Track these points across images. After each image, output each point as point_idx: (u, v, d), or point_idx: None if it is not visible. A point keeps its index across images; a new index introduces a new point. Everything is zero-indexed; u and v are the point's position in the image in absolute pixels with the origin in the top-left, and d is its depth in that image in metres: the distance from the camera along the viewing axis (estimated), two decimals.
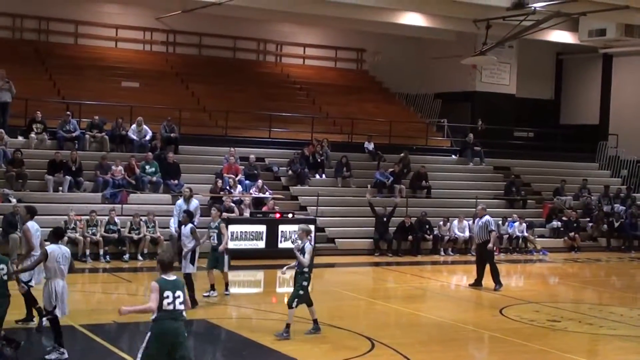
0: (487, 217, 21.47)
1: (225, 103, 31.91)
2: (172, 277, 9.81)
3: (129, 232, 23.94)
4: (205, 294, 17.76)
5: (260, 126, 31.76)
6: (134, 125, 28.10)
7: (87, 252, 23.19)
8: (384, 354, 13.71)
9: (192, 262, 17.03)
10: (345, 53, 39.48)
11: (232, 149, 28.26)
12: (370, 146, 32.26)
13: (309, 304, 14.92)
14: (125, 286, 20.42)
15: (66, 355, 12.06)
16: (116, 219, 23.92)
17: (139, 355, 9.67)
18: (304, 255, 14.61)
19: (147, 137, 28.10)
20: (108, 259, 23.36)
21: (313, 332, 14.84)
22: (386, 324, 16.69)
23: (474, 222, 23.16)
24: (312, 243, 15.31)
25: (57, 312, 12.22)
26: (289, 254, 24.73)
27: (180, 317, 9.71)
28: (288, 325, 14.46)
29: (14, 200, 23.68)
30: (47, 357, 11.96)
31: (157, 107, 29.73)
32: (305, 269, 14.73)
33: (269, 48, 38.09)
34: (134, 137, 27.95)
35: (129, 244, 23.85)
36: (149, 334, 9.65)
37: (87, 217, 23.61)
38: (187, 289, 16.40)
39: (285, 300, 14.98)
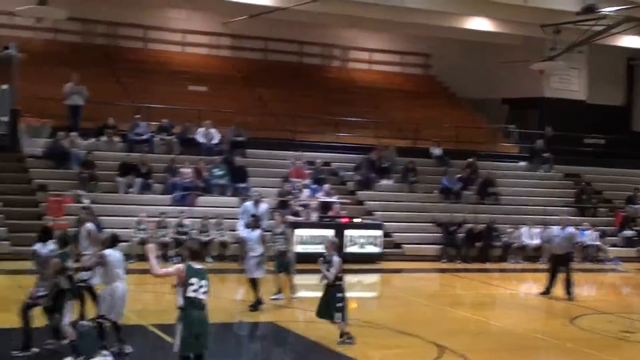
0: (571, 229, 21.12)
1: (292, 107, 31.98)
2: (199, 265, 10.15)
3: (198, 235, 24.12)
4: (272, 297, 17.80)
5: (326, 130, 31.78)
6: (201, 129, 28.33)
7: (158, 253, 23.40)
8: None
9: (260, 267, 17.02)
10: (411, 58, 39.32)
11: (299, 153, 28.31)
12: (436, 151, 32.05)
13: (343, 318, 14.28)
14: None
15: (110, 359, 12.11)
16: (185, 222, 24.12)
17: (178, 347, 9.98)
18: (329, 268, 14.24)
19: (215, 141, 28.30)
20: (177, 261, 23.53)
21: (348, 342, 14.11)
22: (454, 331, 16.48)
23: (544, 230, 22.82)
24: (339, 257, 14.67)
25: (112, 316, 12.25)
26: (355, 257, 25.00)
27: (204, 306, 10.06)
28: (344, 334, 14.10)
29: (86, 201, 24.01)
30: None
31: (225, 111, 29.92)
32: (338, 282, 14.33)
33: (334, 53, 38.11)
34: (203, 141, 28.17)
35: (198, 246, 23.99)
36: (180, 326, 9.96)
37: (158, 219, 23.86)
38: (253, 290, 16.54)
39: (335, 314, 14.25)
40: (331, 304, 14.10)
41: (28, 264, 21.17)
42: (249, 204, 22.72)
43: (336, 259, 14.34)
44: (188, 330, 9.95)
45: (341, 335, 14.00)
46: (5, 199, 24.05)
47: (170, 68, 33.55)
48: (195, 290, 9.95)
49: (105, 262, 12.27)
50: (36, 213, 24.15)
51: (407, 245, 27.10)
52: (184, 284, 9.93)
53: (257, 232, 17.14)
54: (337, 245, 15.09)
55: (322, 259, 14.43)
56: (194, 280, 9.95)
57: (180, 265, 10.06)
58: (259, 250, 16.97)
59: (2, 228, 22.97)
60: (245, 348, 14.32)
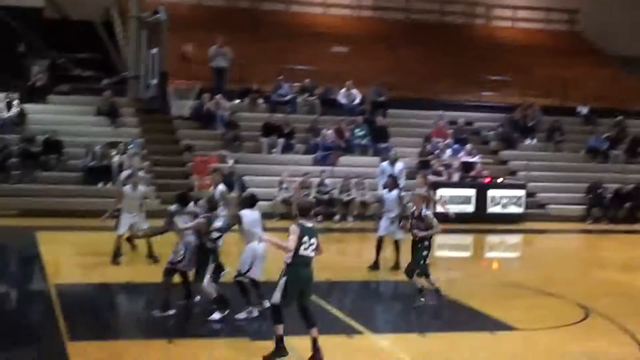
0: None
1: (434, 67, 31.74)
2: (310, 223, 10.28)
3: (339, 194, 24.36)
4: None
5: (469, 90, 31.40)
6: (343, 89, 28.46)
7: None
8: (598, 324, 13.27)
9: (395, 227, 16.65)
10: (557, 14, 38.28)
11: (440, 112, 28.09)
12: (583, 110, 31.18)
13: (427, 275, 14.01)
14: (336, 246, 20.79)
15: (255, 314, 12.37)
16: (327, 181, 24.39)
17: (278, 299, 10.12)
18: (426, 223, 13.63)
19: (357, 101, 28.40)
20: (319, 219, 23.88)
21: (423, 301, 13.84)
22: (600, 293, 16.08)
23: None
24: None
25: (251, 273, 12.45)
26: (497, 218, 24.75)
27: (311, 263, 10.26)
28: (421, 290, 13.84)
29: (230, 162, 24.60)
30: (237, 316, 12.20)
31: (367, 71, 29.95)
32: (427, 241, 13.76)
33: (477, 11, 37.50)
34: (344, 101, 28.31)
35: (339, 206, 24.29)
36: (285, 279, 10.12)
37: (300, 179, 24.23)
38: (396, 252, 16.49)
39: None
40: (415, 260, 13.72)
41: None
42: (385, 164, 22.81)
43: (429, 213, 13.84)
44: (295, 286, 10.17)
45: (420, 291, 13.74)
46: (155, 159, 24.89)
47: (313, 30, 33.80)
48: (305, 249, 10.16)
49: (241, 222, 12.47)
50: (183, 173, 24.93)
51: (552, 206, 26.60)
52: (298, 242, 10.14)
53: (394, 193, 16.88)
54: (426, 199, 14.72)
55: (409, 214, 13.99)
56: (305, 238, 10.15)
57: (295, 227, 10.20)
58: (395, 211, 16.82)
59: (151, 187, 23.77)
60: (387, 306, 14.41)
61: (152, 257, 16.19)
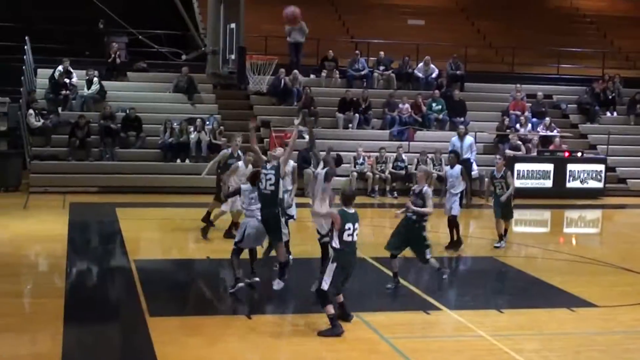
0: None
1: (512, 39, 31.29)
2: (352, 210, 10.62)
3: (416, 169, 24.26)
4: (496, 245, 17.08)
5: (548, 62, 30.92)
6: (420, 64, 28.28)
7: (376, 187, 23.87)
8: None
9: (460, 204, 16.53)
10: None
11: (518, 85, 27.73)
12: None
13: (394, 256, 13.14)
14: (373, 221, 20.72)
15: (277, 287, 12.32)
16: (403, 156, 24.33)
17: (327, 284, 10.41)
18: (424, 201, 12.96)
19: (434, 75, 28.19)
20: (395, 195, 23.86)
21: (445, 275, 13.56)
22: None
23: None
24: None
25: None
26: (576, 193, 24.40)
27: (356, 248, 10.71)
28: (439, 268, 13.42)
29: (307, 137, 24.65)
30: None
31: (443, 44, 29.71)
32: (425, 220, 13.05)
33: None
34: (421, 75, 28.14)
35: (416, 181, 24.17)
36: (334, 265, 10.46)
37: (377, 154, 24.20)
38: (454, 230, 16.24)
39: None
40: (420, 243, 13.04)
41: None
42: (455, 138, 22.90)
43: (428, 190, 13.09)
44: (344, 271, 10.55)
45: (438, 269, 13.37)
46: (231, 135, 25.03)
47: (389, 2, 33.60)
48: (349, 234, 10.48)
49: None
50: (260, 149, 25.02)
51: (632, 180, 26.09)
52: (340, 229, 10.45)
53: (457, 169, 16.54)
54: (430, 175, 14.55)
55: (412, 190, 13.38)
56: (349, 225, 10.48)
57: (336, 214, 10.50)
58: (459, 187, 16.54)
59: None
60: (463, 282, 14.35)
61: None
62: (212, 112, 25.70)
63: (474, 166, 23.31)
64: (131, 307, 11.74)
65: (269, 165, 12.41)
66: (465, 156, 22.64)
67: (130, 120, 24.35)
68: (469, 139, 23.09)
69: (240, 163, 16.01)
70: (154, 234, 17.89)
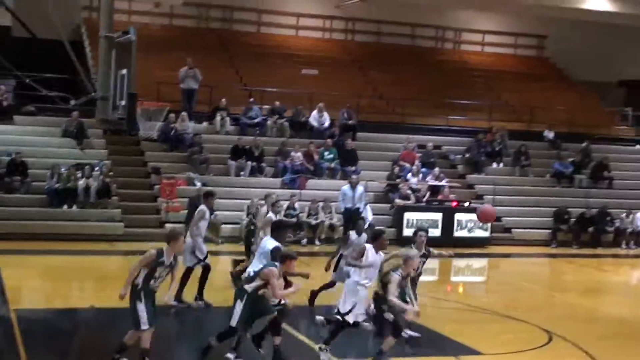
0: None
1: (403, 90, 31.91)
2: None
3: (307, 217, 24.38)
4: None
5: (437, 114, 31.60)
6: (314, 112, 28.55)
7: None
8: (562, 348, 13.38)
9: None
10: (525, 39, 38.70)
11: (410, 136, 28.24)
12: (550, 135, 31.49)
13: None
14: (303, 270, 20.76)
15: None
16: (295, 204, 24.40)
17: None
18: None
19: (326, 124, 28.49)
20: (287, 243, 23.82)
21: None
22: (564, 317, 16.21)
23: None
24: None
25: (350, 317, 12.03)
26: (464, 242, 24.85)
27: None
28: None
29: (198, 184, 24.55)
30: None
31: (336, 94, 30.07)
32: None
33: (447, 35, 37.83)
34: (314, 124, 28.39)
35: (307, 229, 24.30)
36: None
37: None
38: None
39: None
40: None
41: (139, 245, 21.92)
42: (346, 187, 23.33)
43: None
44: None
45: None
46: (121, 181, 24.79)
47: (284, 52, 33.88)
48: None
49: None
50: (150, 195, 24.86)
51: (517, 230, 26.76)
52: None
53: (363, 237, 14.92)
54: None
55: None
56: None
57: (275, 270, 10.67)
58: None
59: (116, 210, 23.69)
60: (351, 331, 14.35)
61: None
62: (102, 157, 25.31)
63: (369, 214, 23.63)
64: (9, 358, 11.36)
65: None
66: (357, 205, 22.99)
67: (16, 164, 23.75)
68: (360, 189, 23.54)
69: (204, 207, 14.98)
70: (37, 282, 17.43)
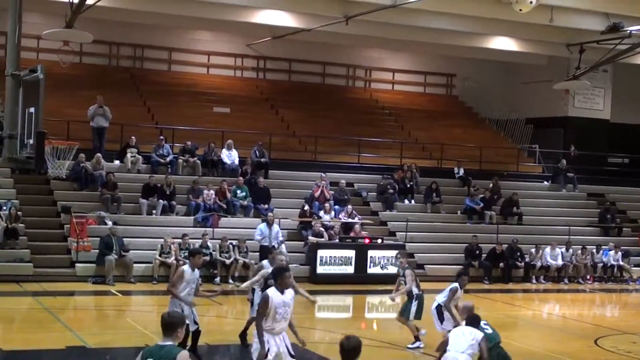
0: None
1: (315, 128, 32.12)
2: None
3: (220, 256, 24.20)
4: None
5: (349, 151, 31.85)
6: (224, 149, 28.49)
7: None
8: None
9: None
10: (435, 78, 39.37)
11: (323, 174, 28.38)
12: (460, 172, 32.04)
13: None
14: (216, 309, 20.60)
15: None
16: (208, 243, 24.21)
17: None
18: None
19: (236, 161, 28.47)
20: (200, 281, 23.57)
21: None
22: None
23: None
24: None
25: None
26: (377, 279, 24.97)
27: None
28: None
29: (109, 223, 24.20)
30: None
31: (248, 132, 30.09)
32: None
33: (358, 73, 38.25)
34: (225, 162, 28.31)
35: (220, 267, 24.11)
36: None
37: (180, 240, 23.96)
38: None
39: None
40: None
41: (49, 286, 21.52)
42: (263, 225, 23.36)
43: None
44: None
45: None
46: (29, 220, 24.27)
47: (195, 90, 33.80)
48: None
49: None
50: (60, 235, 24.38)
51: (430, 266, 27.03)
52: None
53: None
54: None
55: None
56: None
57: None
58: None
59: (25, 250, 23.17)
60: None
61: None
62: (10, 197, 24.74)
63: (285, 252, 23.74)
64: None
65: None
66: (273, 243, 23.02)
67: None
68: (276, 227, 23.62)
69: (186, 267, 13.63)
70: None
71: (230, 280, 23.98)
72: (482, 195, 30.33)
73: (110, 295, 21.42)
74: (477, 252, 27.31)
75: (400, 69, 38.63)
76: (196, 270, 13.46)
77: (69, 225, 23.98)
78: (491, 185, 30.98)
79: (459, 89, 39.40)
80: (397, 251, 18.32)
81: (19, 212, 23.82)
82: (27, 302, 20.15)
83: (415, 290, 16.27)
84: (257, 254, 23.68)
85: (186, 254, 23.58)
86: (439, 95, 39.26)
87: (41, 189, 25.99)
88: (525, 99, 37.25)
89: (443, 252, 27.88)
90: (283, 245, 23.33)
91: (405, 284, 16.13)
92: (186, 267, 13.49)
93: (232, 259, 24.23)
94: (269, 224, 23.71)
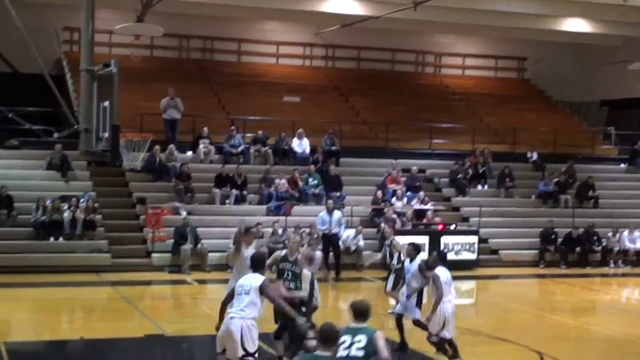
0: None
1: (385, 115, 32.01)
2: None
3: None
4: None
5: (420, 138, 31.70)
6: (295, 139, 28.59)
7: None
8: None
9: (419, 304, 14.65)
10: (506, 62, 38.90)
11: (394, 161, 28.28)
12: (533, 156, 31.62)
13: None
14: None
15: None
16: (279, 231, 24.34)
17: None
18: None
19: (307, 150, 28.55)
20: (273, 269, 23.74)
21: None
22: (554, 338, 16.21)
23: None
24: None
25: (445, 333, 12.82)
26: (450, 265, 24.72)
27: None
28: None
29: (184, 213, 24.48)
30: None
31: (318, 120, 30.13)
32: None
33: (427, 59, 38.00)
34: (296, 151, 28.42)
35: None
36: None
37: (254, 229, 24.10)
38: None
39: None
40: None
41: (127, 275, 21.93)
42: (323, 213, 23.35)
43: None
44: None
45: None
46: (106, 212, 24.71)
47: (265, 80, 33.97)
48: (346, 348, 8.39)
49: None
50: (136, 225, 24.78)
51: (504, 251, 26.79)
52: None
53: (416, 264, 14.51)
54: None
55: None
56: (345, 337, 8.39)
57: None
58: (416, 285, 14.68)
59: (103, 241, 23.60)
60: None
61: None
62: (87, 189, 25.24)
63: (348, 238, 23.89)
64: None
65: None
66: (334, 231, 23.05)
67: (1, 198, 23.65)
68: (337, 213, 23.62)
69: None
70: (26, 314, 17.32)
71: None
72: (556, 179, 29.90)
73: (186, 284, 21.72)
74: (553, 236, 26.96)
75: (470, 54, 38.26)
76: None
77: (144, 216, 24.35)
78: (565, 169, 30.52)
79: (530, 72, 38.88)
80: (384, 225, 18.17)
81: (96, 204, 24.28)
82: (106, 292, 20.53)
83: (394, 263, 16.27)
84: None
85: (260, 242, 23.86)
86: (511, 79, 38.79)
87: (117, 181, 26.43)
88: (599, 81, 36.61)
89: (517, 237, 27.59)
90: (354, 232, 23.29)
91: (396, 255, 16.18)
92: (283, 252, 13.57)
93: (304, 246, 24.26)
94: (330, 211, 23.71)
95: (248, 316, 9.82)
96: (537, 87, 38.60)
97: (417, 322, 14.30)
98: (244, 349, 9.70)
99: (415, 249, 14.62)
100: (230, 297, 10.21)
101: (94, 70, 14.49)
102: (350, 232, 24.72)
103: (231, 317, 9.83)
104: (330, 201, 24.52)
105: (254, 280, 10.03)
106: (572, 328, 17.49)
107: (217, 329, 10.16)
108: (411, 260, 14.46)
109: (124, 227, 24.74)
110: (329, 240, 23.21)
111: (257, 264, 10.35)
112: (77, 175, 25.94)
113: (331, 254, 22.97)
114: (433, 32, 35.89)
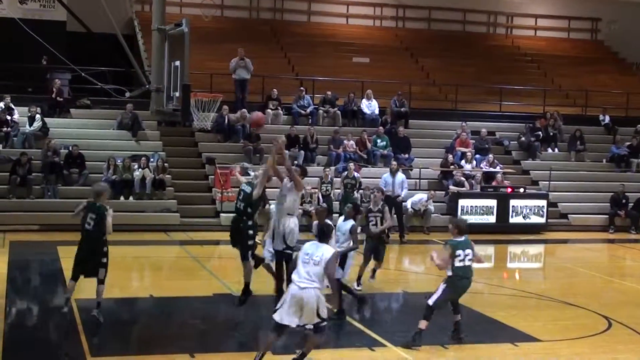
0: None
1: (455, 77, 31.71)
2: (462, 238, 11.91)
3: (361, 204, 24.27)
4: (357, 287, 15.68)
5: (490, 100, 31.37)
6: (364, 100, 28.50)
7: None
8: (621, 334, 13.22)
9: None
10: (579, 23, 38.18)
11: (464, 123, 28.05)
12: (605, 119, 31.07)
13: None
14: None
15: None
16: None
17: (432, 300, 11.92)
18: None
19: (375, 111, 28.45)
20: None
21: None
22: (623, 303, 15.99)
23: None
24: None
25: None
26: (519, 228, 24.67)
27: (469, 272, 12.04)
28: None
29: (252, 173, 24.60)
30: None
31: (388, 81, 29.95)
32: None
33: (499, 20, 37.52)
34: (365, 112, 28.34)
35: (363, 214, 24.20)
36: (445, 286, 11.85)
37: (321, 175, 24.18)
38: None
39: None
40: None
41: (196, 235, 22.19)
42: (386, 175, 23.06)
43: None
44: (453, 293, 12.00)
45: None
46: (175, 172, 25.01)
47: (334, 40, 33.89)
48: (461, 260, 11.76)
49: None
50: (205, 185, 25.04)
51: (574, 215, 26.48)
52: (451, 256, 11.74)
53: (349, 223, 14.38)
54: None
55: None
56: (459, 252, 11.75)
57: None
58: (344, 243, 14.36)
59: (172, 200, 23.90)
60: (409, 317, 14.33)
61: None
62: (157, 149, 25.56)
63: (408, 201, 23.75)
64: (72, 348, 11.54)
65: None
66: (397, 193, 22.85)
67: (73, 157, 24.09)
68: (400, 176, 23.19)
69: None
70: None
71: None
72: (629, 143, 29.36)
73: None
74: (624, 201, 26.53)
75: (542, 15, 37.63)
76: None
77: (213, 176, 24.58)
78: (638, 132, 29.91)
79: (604, 33, 38.08)
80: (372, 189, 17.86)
81: (165, 164, 24.58)
82: (175, 251, 20.84)
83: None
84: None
85: (327, 187, 23.93)
86: (584, 41, 38.09)
87: (186, 141, 26.71)
88: None
89: (587, 202, 27.22)
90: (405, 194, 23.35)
91: (385, 220, 16.03)
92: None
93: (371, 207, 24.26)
94: (393, 174, 23.12)
95: (319, 286, 10.14)
96: (610, 49, 37.83)
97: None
98: (319, 316, 10.14)
99: (355, 209, 14.77)
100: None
101: (166, 30, 14.57)
102: (422, 195, 24.61)
103: (304, 288, 9.98)
104: (394, 162, 24.34)
105: (325, 251, 10.15)
106: None
107: (277, 290, 10.57)
108: (345, 219, 14.40)
109: (193, 187, 25.03)
110: (392, 202, 23.07)
111: (324, 234, 10.47)
112: (147, 134, 26.28)
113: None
114: None
